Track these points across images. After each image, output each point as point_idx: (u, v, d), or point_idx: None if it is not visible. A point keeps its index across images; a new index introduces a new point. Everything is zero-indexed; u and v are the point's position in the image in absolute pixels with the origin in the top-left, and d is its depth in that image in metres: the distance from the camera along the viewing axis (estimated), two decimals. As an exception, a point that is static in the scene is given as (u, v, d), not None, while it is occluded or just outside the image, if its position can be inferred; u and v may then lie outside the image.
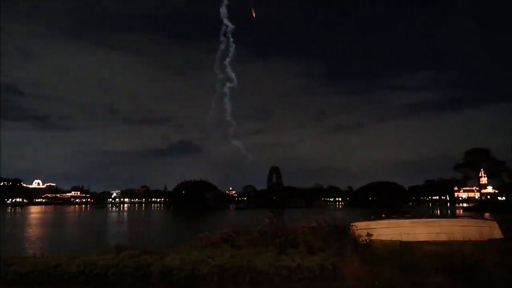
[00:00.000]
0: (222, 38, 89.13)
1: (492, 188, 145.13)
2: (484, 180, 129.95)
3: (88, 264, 8.18)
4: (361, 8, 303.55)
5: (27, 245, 29.28)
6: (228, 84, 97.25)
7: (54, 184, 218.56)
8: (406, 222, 13.90)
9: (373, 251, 9.13)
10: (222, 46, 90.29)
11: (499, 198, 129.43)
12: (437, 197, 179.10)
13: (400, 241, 11.09)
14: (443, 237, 11.56)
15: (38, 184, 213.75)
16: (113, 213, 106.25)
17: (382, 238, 10.67)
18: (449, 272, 7.99)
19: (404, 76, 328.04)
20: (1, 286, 7.90)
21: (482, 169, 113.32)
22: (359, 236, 10.52)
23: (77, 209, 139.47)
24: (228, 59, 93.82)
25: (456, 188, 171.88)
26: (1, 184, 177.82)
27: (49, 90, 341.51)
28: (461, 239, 10.49)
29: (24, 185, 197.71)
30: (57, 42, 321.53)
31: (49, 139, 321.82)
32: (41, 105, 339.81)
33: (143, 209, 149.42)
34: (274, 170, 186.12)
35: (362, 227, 11.39)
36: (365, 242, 10.12)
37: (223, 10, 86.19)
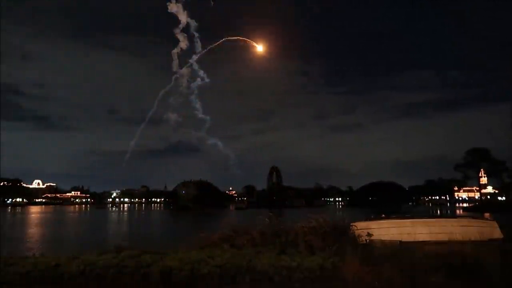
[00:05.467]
0: (181, 36, 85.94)
1: (492, 188, 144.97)
2: (484, 180, 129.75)
3: (88, 264, 8.18)
4: (361, 8, 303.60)
5: (27, 245, 29.26)
6: (197, 82, 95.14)
7: (54, 184, 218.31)
8: (406, 222, 13.89)
9: (373, 251, 9.13)
10: (183, 44, 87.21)
11: (499, 198, 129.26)
12: (437, 197, 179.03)
13: (400, 241, 11.09)
14: (443, 237, 11.56)
15: (38, 184, 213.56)
16: (113, 213, 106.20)
17: (382, 238, 10.67)
18: (449, 272, 7.98)
19: (404, 76, 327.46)
20: (1, 286, 7.90)
21: (482, 169, 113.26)
22: (359, 236, 10.52)
23: (77, 209, 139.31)
24: (194, 57, 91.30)
25: (456, 188, 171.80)
26: (1, 184, 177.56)
27: (49, 90, 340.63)
28: (461, 239, 10.49)
29: (24, 185, 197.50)
30: (57, 43, 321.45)
31: (49, 139, 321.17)
32: (41, 105, 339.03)
33: (143, 209, 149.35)
34: (274, 170, 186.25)
35: (362, 227, 11.39)
36: (365, 242, 10.12)
37: (177, 6, 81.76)
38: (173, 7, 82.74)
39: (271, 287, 7.65)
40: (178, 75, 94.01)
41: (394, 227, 13.31)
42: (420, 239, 12.14)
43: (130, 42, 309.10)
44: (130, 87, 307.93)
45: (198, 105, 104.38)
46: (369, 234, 10.35)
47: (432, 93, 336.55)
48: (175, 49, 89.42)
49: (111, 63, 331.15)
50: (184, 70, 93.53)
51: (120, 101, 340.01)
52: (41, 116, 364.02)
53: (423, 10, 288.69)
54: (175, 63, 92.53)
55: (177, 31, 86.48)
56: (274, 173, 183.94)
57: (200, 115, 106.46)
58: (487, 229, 12.64)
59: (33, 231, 45.75)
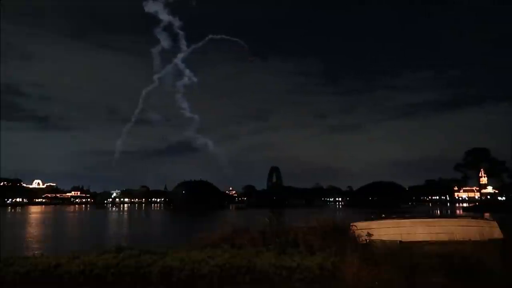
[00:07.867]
0: (162, 35, 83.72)
1: (492, 188, 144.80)
2: (484, 180, 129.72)
3: (88, 264, 8.17)
4: (361, 7, 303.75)
5: (27, 245, 29.26)
6: (184, 81, 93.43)
7: (54, 184, 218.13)
8: (406, 222, 13.90)
9: (373, 251, 9.12)
10: (165, 43, 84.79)
11: (499, 198, 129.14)
12: (437, 197, 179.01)
13: (400, 241, 11.09)
14: (443, 237, 11.55)
15: (38, 184, 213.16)
16: (113, 213, 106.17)
17: (382, 238, 10.66)
18: (449, 272, 7.98)
19: (404, 76, 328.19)
20: (1, 286, 7.89)
21: (482, 169, 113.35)
22: (359, 236, 10.52)
23: (77, 209, 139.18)
24: (180, 56, 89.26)
25: (456, 188, 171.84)
26: (1, 184, 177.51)
27: (49, 90, 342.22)
28: (461, 239, 10.48)
29: (24, 185, 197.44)
30: (57, 43, 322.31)
31: (49, 139, 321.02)
32: (41, 105, 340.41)
33: (143, 209, 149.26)
34: (274, 170, 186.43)
35: (362, 227, 11.40)
36: (365, 242, 10.12)
37: (157, 6, 79.27)
38: (151, 7, 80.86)
39: (271, 287, 7.65)
40: (160, 74, 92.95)
41: (394, 227, 13.32)
42: (420, 239, 12.15)
43: (130, 42, 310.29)
44: (130, 87, 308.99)
45: (185, 104, 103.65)
46: (369, 234, 10.35)
47: (432, 93, 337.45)
48: (155, 47, 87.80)
49: (111, 63, 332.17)
50: (169, 69, 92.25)
51: (120, 101, 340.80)
52: (41, 116, 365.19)
53: (423, 10, 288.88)
54: (156, 62, 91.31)
55: (157, 29, 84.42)
56: (274, 173, 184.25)
57: (188, 114, 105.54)
58: (487, 229, 12.63)
59: (33, 231, 45.76)
